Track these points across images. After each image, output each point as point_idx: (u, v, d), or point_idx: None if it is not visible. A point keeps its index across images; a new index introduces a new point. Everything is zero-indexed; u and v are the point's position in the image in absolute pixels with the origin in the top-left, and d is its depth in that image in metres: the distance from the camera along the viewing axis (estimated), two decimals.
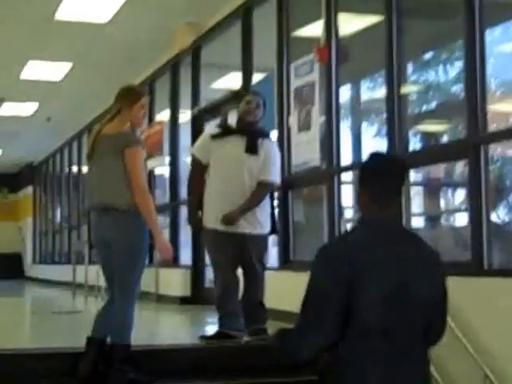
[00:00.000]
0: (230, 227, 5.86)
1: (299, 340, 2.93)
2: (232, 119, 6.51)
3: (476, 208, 5.45)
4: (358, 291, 2.84)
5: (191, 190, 6.25)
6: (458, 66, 6.92)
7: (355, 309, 2.85)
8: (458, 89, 7.04)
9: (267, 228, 6.09)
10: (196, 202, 6.12)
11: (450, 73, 7.24)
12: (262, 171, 6.00)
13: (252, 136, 6.07)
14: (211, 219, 5.96)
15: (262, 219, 6.02)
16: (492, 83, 6.01)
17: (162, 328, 8.64)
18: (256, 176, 5.98)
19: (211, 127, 6.64)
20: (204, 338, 6.03)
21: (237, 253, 5.93)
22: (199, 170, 6.13)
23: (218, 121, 9.98)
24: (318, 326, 2.88)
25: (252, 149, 6.01)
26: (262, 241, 6.05)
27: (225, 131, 6.16)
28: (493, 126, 5.75)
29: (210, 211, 5.98)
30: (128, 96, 5.37)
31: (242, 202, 5.88)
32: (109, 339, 5.22)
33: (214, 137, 6.11)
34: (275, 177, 6.16)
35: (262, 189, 6.03)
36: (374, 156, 3.18)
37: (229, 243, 5.89)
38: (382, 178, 3.06)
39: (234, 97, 9.43)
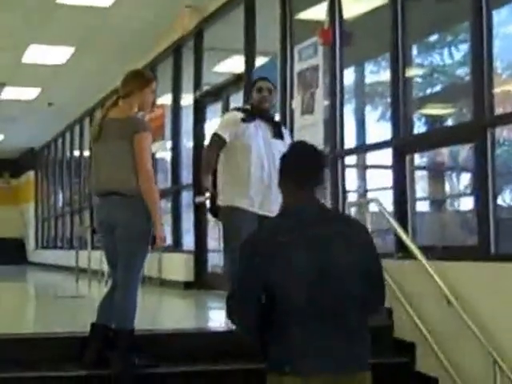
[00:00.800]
0: (264, 210, 5.77)
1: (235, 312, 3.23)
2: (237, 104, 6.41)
3: (483, 192, 5.38)
4: (275, 276, 3.08)
5: (209, 169, 6.00)
6: (463, 49, 6.84)
7: (277, 292, 3.07)
8: (463, 72, 6.97)
9: None
10: (213, 182, 5.98)
11: (455, 55, 7.16)
12: None
13: (275, 121, 6.08)
14: (240, 200, 5.82)
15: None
16: (498, 66, 5.93)
17: (166, 313, 8.59)
18: None
19: (232, 111, 6.49)
20: None
21: None
22: (219, 148, 5.95)
23: (219, 105, 10.00)
24: (247, 305, 3.14)
25: (280, 134, 6.03)
26: None
27: (250, 114, 6.05)
28: (499, 110, 5.66)
29: (242, 193, 5.83)
30: (139, 80, 5.29)
31: (274, 186, 5.65)
32: (113, 325, 5.16)
33: (243, 120, 5.98)
34: None
35: None
36: (295, 146, 3.45)
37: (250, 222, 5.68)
38: (302, 166, 3.27)
39: (237, 80, 9.37)
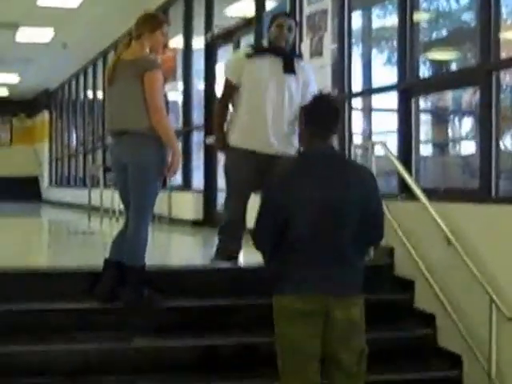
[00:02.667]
0: (262, 147, 5.65)
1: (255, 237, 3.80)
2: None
3: (485, 136, 5.37)
4: (292, 208, 3.59)
5: (221, 112, 5.93)
6: None
7: (290, 220, 3.58)
8: (468, 17, 6.89)
9: (294, 148, 5.76)
10: (223, 125, 5.87)
11: (461, 0, 7.08)
12: (306, 95, 5.64)
13: (288, 56, 5.78)
14: (243, 139, 5.72)
15: (291, 140, 5.75)
16: (503, 12, 5.85)
17: (175, 249, 8.67)
18: (294, 97, 5.72)
19: (241, 48, 6.33)
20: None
21: (259, 176, 5.58)
22: (230, 92, 5.82)
23: (230, 47, 9.92)
24: (264, 232, 3.71)
25: (291, 69, 5.74)
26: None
27: (260, 50, 5.91)
28: (503, 54, 5.61)
29: (247, 131, 5.71)
30: (151, 22, 5.26)
31: (283, 124, 5.67)
32: (125, 261, 5.20)
33: (249, 55, 5.80)
34: None
35: None
36: (316, 98, 3.81)
37: (253, 165, 5.65)
38: (320, 116, 3.73)
39: (247, 24, 9.28)
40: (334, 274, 3.59)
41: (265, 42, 6.15)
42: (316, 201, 3.58)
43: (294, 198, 3.60)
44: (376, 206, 3.75)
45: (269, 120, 5.67)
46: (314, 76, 6.04)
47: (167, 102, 5.26)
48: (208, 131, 9.58)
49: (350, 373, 3.61)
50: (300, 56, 6.12)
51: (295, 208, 3.60)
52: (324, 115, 3.73)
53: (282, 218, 3.61)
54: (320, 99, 3.81)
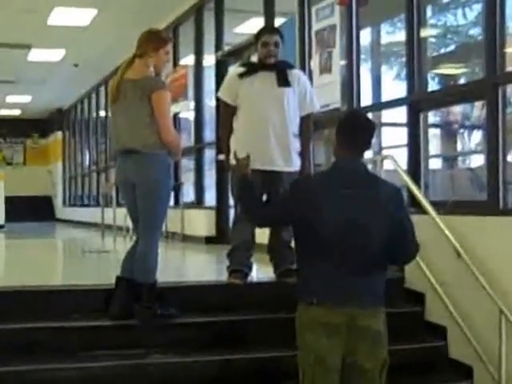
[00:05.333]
0: (266, 165, 5.64)
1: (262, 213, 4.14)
2: (254, 58, 6.28)
3: (493, 148, 5.43)
4: (314, 218, 3.65)
5: (224, 133, 5.94)
6: (476, 9, 6.84)
7: (311, 231, 3.66)
8: (476, 32, 6.98)
9: (298, 164, 5.81)
10: (229, 146, 5.85)
11: (468, 16, 7.16)
12: (305, 104, 5.77)
13: (280, 69, 5.75)
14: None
15: (294, 155, 5.77)
16: (509, 26, 5.94)
17: (189, 265, 8.75)
18: (294, 109, 5.74)
19: (233, 68, 6.35)
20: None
21: (264, 193, 5.69)
22: (228, 112, 5.85)
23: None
24: (274, 213, 4.02)
25: (286, 81, 5.72)
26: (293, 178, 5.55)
27: (251, 68, 5.86)
28: (509, 68, 5.68)
29: (248, 150, 5.71)
30: (154, 41, 5.31)
31: (286, 138, 5.69)
32: (136, 278, 5.26)
33: (242, 75, 5.80)
34: (317, 105, 5.99)
35: (311, 122, 5.88)
36: (350, 114, 4.00)
37: (257, 183, 5.45)
38: (354, 132, 3.77)
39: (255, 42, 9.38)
40: (360, 287, 3.65)
41: (255, 58, 6.07)
42: (344, 216, 3.64)
43: (321, 211, 3.65)
44: (405, 223, 3.78)
45: (271, 137, 5.66)
46: (308, 81, 6.09)
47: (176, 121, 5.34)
48: (219, 148, 9.68)
49: (374, 382, 3.66)
50: (292, 65, 6.07)
51: (321, 221, 3.65)
52: (358, 130, 3.79)
53: (290, 217, 3.79)
54: (354, 114, 3.95)
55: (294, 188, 3.89)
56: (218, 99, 10.32)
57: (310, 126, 5.92)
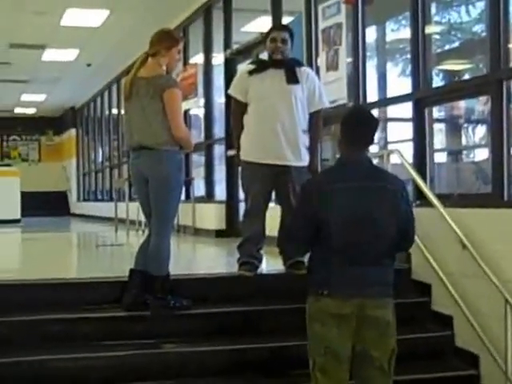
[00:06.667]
0: (275, 160, 5.64)
1: (286, 241, 4.19)
2: (264, 56, 6.26)
3: (497, 142, 5.40)
4: (325, 214, 3.62)
5: (235, 129, 5.94)
6: (479, 6, 6.80)
7: (324, 227, 3.62)
8: (479, 28, 6.93)
9: (306, 159, 5.79)
10: (239, 141, 5.85)
11: (472, 13, 7.12)
12: (314, 101, 5.76)
13: (289, 66, 5.74)
14: (255, 153, 5.70)
15: (303, 150, 5.75)
16: None
17: (200, 258, 8.74)
18: (303, 106, 5.72)
19: (244, 66, 6.33)
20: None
21: (273, 187, 5.72)
22: (239, 109, 5.84)
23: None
24: (297, 236, 3.81)
25: (294, 78, 5.70)
26: (302, 173, 5.64)
27: (260, 66, 5.86)
28: None
29: (258, 145, 5.70)
30: (166, 40, 5.33)
31: (296, 134, 5.68)
32: (149, 270, 5.26)
33: (251, 72, 5.80)
34: (327, 101, 5.97)
35: (320, 118, 5.85)
36: (353, 110, 3.99)
37: (267, 178, 5.66)
38: (358, 127, 3.77)
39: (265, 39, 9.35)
40: (370, 278, 3.64)
41: (265, 55, 6.06)
42: (353, 209, 3.63)
43: (331, 206, 3.63)
44: (409, 215, 3.82)
45: (280, 132, 5.64)
46: (316, 78, 6.07)
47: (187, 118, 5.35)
48: (229, 144, 9.66)
49: (383, 370, 3.65)
50: (300, 63, 6.07)
51: (331, 216, 3.62)
52: (362, 126, 3.78)
53: (315, 221, 3.65)
54: (358, 110, 3.96)
55: (305, 194, 3.84)
56: (227, 96, 10.46)
57: (319, 122, 5.89)
